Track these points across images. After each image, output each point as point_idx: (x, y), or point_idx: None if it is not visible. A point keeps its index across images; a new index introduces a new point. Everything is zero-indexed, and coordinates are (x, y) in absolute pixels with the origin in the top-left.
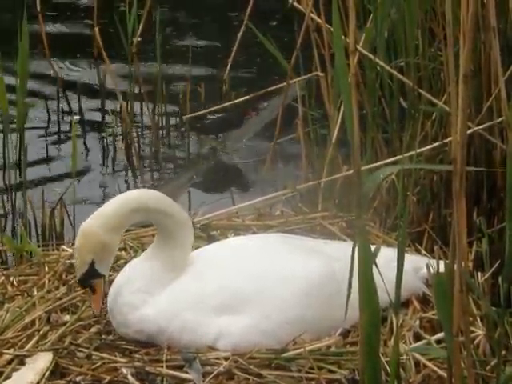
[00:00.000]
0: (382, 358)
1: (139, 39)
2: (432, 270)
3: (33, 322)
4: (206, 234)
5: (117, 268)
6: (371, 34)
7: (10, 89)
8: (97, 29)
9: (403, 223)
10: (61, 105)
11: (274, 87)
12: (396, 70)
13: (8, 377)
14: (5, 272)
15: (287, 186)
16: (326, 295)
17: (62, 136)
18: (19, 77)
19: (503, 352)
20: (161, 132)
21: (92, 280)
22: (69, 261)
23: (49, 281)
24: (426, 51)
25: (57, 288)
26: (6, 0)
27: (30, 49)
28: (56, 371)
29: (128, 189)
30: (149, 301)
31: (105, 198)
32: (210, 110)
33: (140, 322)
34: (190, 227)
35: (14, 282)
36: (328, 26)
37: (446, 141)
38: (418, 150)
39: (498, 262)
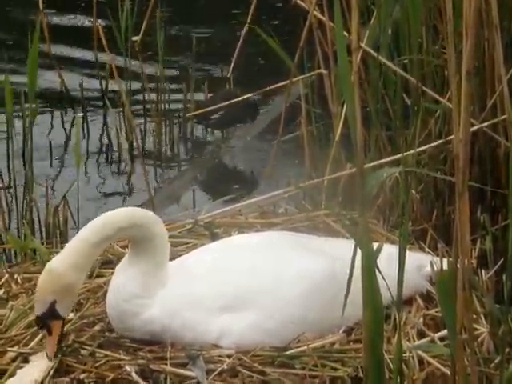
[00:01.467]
0: (386, 355)
1: (136, 39)
2: (435, 268)
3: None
4: (210, 232)
5: None
6: (375, 32)
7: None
8: (99, 25)
9: (405, 221)
10: (64, 102)
11: (277, 85)
12: (399, 67)
13: (12, 374)
14: (9, 270)
15: (291, 183)
16: (328, 294)
17: (66, 133)
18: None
19: (507, 350)
20: (164, 130)
21: (50, 321)
22: None
23: None
24: (430, 48)
25: None
26: None
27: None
28: (60, 369)
29: (129, 187)
30: (146, 303)
31: (107, 196)
32: (213, 107)
33: (144, 325)
34: (160, 232)
35: (18, 280)
36: (331, 24)
37: (449, 138)
38: (421, 148)
39: (502, 260)
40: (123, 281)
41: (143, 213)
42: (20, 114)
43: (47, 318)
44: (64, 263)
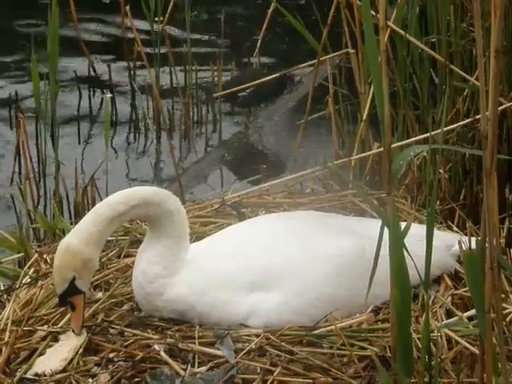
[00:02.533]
0: (414, 334)
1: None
2: (464, 247)
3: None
4: (237, 212)
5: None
6: (402, 10)
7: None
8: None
9: (433, 199)
10: (92, 84)
11: (304, 64)
12: (427, 46)
13: (42, 353)
14: (38, 249)
15: (318, 163)
16: (356, 273)
17: (94, 115)
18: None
19: None
20: (191, 110)
21: (71, 297)
22: None
23: None
24: (458, 27)
25: None
26: None
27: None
28: (89, 348)
29: (157, 167)
30: (170, 282)
31: (136, 176)
32: (240, 87)
33: (169, 303)
34: (177, 210)
35: (48, 260)
36: (359, 3)
37: (477, 117)
38: (449, 127)
39: None
40: (145, 262)
41: (157, 191)
42: (47, 96)
43: (69, 295)
44: (79, 238)
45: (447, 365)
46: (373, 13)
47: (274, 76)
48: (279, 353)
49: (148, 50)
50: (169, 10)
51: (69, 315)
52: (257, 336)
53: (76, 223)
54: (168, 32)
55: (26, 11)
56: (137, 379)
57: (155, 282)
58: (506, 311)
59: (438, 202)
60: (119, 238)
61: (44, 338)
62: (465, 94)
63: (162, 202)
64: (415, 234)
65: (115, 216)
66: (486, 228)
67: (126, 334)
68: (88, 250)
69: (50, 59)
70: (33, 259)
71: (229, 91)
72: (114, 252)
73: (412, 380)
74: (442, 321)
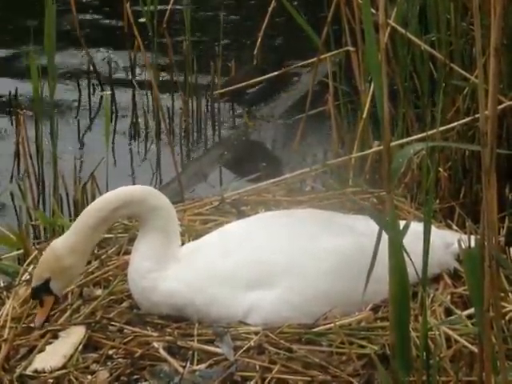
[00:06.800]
0: (413, 333)
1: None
2: (463, 246)
3: (65, 296)
4: (236, 210)
5: None
6: (402, 8)
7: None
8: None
9: (430, 198)
10: (91, 80)
11: (304, 62)
12: (427, 44)
13: (42, 350)
14: (38, 246)
15: (318, 161)
16: (356, 270)
17: (93, 111)
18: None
19: None
20: (191, 107)
21: (43, 294)
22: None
23: None
24: (458, 25)
25: (89, 262)
26: None
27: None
28: (89, 345)
29: (157, 165)
30: (162, 276)
31: (135, 173)
32: (240, 85)
33: (164, 298)
34: (163, 205)
35: None
36: (359, 0)
37: (477, 116)
38: (449, 126)
39: None
40: (137, 259)
41: (138, 189)
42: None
43: (41, 292)
44: (64, 245)
45: (446, 363)
46: (373, 11)
47: (273, 74)
48: (278, 350)
49: (148, 46)
50: (169, 6)
51: (68, 312)
52: (256, 334)
53: (75, 220)
54: (168, 29)
55: (25, 5)
56: (136, 376)
57: (147, 277)
58: (505, 310)
59: (437, 201)
60: (118, 235)
61: (43, 335)
62: (465, 92)
63: (143, 199)
64: (415, 232)
65: (98, 223)
66: (485, 226)
67: (125, 331)
68: (70, 259)
69: (47, 55)
70: (32, 256)
71: (228, 89)
72: (113, 249)
73: (411, 378)
74: (441, 319)
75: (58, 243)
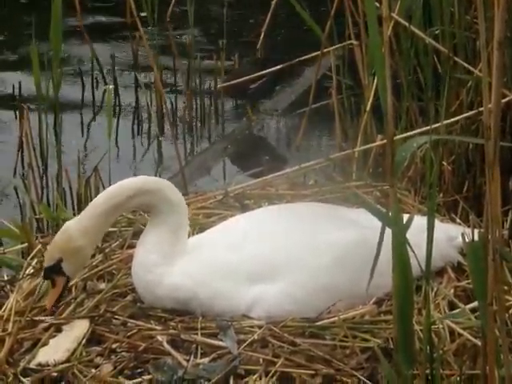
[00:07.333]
0: (417, 326)
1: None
2: (467, 239)
3: (69, 290)
4: (240, 203)
5: None
6: (406, 1)
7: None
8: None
9: (433, 191)
10: (95, 75)
11: (308, 56)
12: (431, 37)
13: (45, 343)
14: (41, 240)
15: (321, 155)
16: (358, 263)
17: (97, 105)
18: (53, 45)
19: None
20: (195, 101)
21: (55, 275)
22: None
23: None
24: (462, 19)
25: (93, 256)
26: None
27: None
28: (92, 338)
29: (160, 159)
30: (168, 271)
31: (139, 167)
32: (244, 79)
33: (168, 292)
34: (174, 198)
35: None
36: None
37: (481, 109)
38: (452, 119)
39: None
40: (143, 252)
41: (156, 180)
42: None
43: (53, 272)
44: (77, 227)
45: (449, 356)
46: (376, 4)
47: (276, 68)
48: (282, 344)
49: (151, 41)
50: (172, 2)
51: (72, 306)
52: (259, 327)
53: (79, 214)
54: (171, 23)
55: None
56: (139, 370)
57: (153, 271)
58: (509, 303)
59: (441, 194)
60: (122, 228)
61: (47, 329)
62: (468, 85)
63: (159, 190)
64: (418, 225)
65: (113, 208)
66: (489, 219)
67: (128, 324)
68: (82, 240)
69: (52, 49)
70: (36, 250)
71: (231, 83)
72: (117, 243)
73: (414, 372)
74: (445, 312)
75: (71, 224)
